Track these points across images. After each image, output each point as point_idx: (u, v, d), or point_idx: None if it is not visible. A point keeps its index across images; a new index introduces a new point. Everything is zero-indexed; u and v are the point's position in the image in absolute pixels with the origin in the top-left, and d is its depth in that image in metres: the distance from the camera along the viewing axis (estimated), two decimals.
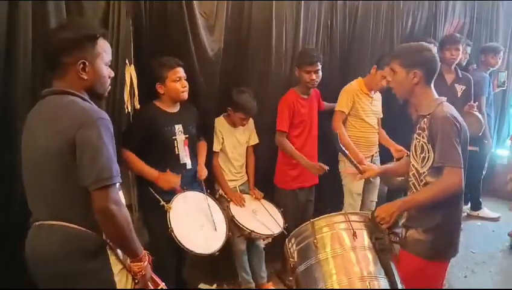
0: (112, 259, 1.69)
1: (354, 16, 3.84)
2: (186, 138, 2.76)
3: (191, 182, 2.79)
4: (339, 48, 3.77)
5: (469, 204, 5.04)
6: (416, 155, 2.17)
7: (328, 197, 3.76)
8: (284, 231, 2.99)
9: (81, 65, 1.66)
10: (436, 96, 2.17)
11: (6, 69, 2.12)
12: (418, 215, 2.14)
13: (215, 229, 2.69)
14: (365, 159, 3.27)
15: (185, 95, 2.71)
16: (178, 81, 2.66)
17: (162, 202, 2.53)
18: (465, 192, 4.90)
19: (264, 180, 3.42)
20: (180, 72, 2.68)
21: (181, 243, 2.46)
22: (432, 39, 4.08)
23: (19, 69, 2.14)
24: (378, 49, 3.92)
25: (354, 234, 1.95)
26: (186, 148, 2.77)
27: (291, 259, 2.08)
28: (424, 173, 2.11)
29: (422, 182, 2.12)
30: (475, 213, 4.96)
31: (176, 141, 2.72)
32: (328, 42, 3.72)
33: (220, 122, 3.17)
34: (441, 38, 3.93)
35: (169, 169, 2.65)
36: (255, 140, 3.32)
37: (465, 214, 5.00)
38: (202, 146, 3.02)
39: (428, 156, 2.07)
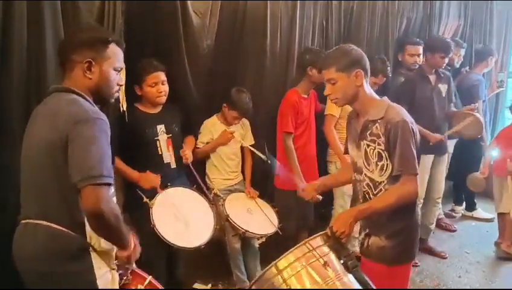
0: (95, 262, 1.66)
1: (349, 17, 3.86)
2: (168, 137, 2.77)
3: (176, 180, 2.80)
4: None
5: (464, 205, 5.08)
6: (370, 164, 2.06)
7: (328, 198, 3.74)
8: (279, 231, 3.01)
9: (87, 64, 1.69)
10: (378, 97, 2.10)
11: (1, 70, 2.12)
12: (379, 222, 2.07)
13: (198, 225, 2.68)
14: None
15: (161, 100, 2.72)
16: (154, 86, 2.67)
17: (145, 199, 2.54)
18: (460, 193, 5.02)
19: (260, 181, 3.43)
20: (159, 76, 2.67)
21: (164, 238, 2.46)
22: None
23: (14, 69, 2.15)
24: (373, 50, 3.94)
25: (325, 264, 1.78)
26: (170, 147, 2.78)
27: None
28: (383, 182, 2.02)
29: (382, 191, 2.04)
30: (469, 214, 5.00)
31: (158, 142, 2.74)
32: (323, 42, 3.73)
33: (212, 123, 3.18)
34: (434, 42, 3.83)
35: (153, 169, 2.67)
36: (250, 141, 3.31)
37: (460, 214, 5.06)
38: (189, 139, 3.03)
39: (387, 164, 1.99)
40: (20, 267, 1.69)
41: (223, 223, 3.11)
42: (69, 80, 1.72)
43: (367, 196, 2.11)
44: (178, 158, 2.83)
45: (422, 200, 3.84)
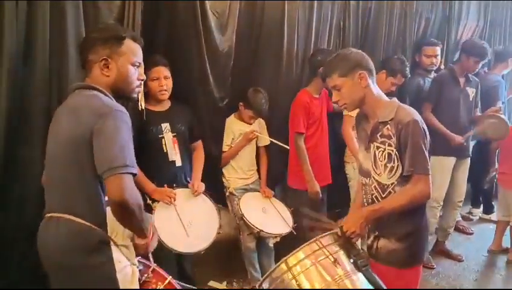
0: (116, 256, 1.69)
1: (367, 18, 3.83)
2: (174, 136, 2.75)
3: (181, 179, 2.80)
4: None
5: (481, 207, 5.03)
6: (378, 166, 2.01)
7: (340, 197, 3.74)
8: (293, 231, 3.01)
9: (103, 62, 1.71)
10: (387, 98, 2.05)
11: (25, 68, 2.17)
12: (390, 224, 2.01)
13: (201, 228, 2.66)
14: None
15: (164, 95, 2.70)
16: (155, 80, 2.65)
17: (149, 201, 2.54)
18: (478, 195, 4.96)
19: (275, 180, 3.44)
20: (160, 71, 2.64)
21: (164, 242, 2.44)
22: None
23: (37, 67, 2.20)
24: (390, 51, 3.91)
25: (335, 261, 1.78)
26: (176, 146, 2.76)
27: None
28: (392, 184, 1.97)
29: (391, 194, 1.99)
30: (487, 216, 4.95)
31: (163, 139, 2.72)
32: (340, 43, 3.71)
33: (230, 121, 3.22)
34: (471, 46, 3.74)
35: (159, 167, 2.69)
36: (266, 140, 3.33)
37: (477, 217, 5.01)
38: (197, 155, 2.97)
39: (397, 165, 1.94)
40: (43, 259, 1.73)
41: (238, 222, 3.13)
42: (89, 79, 1.76)
43: (376, 200, 2.05)
44: (184, 156, 2.82)
45: (442, 203, 3.80)
